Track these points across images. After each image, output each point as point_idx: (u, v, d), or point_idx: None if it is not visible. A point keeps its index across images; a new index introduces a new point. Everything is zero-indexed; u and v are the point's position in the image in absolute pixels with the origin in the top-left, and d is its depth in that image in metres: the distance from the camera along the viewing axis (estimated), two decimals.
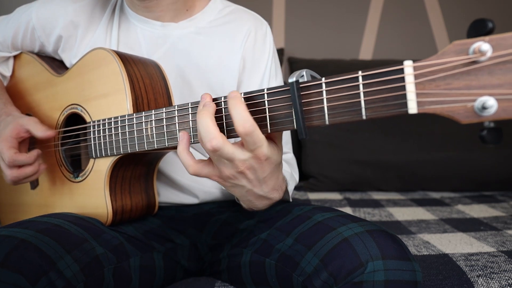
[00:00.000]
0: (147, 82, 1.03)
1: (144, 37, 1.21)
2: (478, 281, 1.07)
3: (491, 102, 0.53)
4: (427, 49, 2.95)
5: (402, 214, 1.82)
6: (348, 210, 1.87)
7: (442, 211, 1.88)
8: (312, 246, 0.84)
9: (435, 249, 1.30)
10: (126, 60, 1.02)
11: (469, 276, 1.09)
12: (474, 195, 2.28)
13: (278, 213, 1.02)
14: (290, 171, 1.16)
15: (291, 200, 1.12)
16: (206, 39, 1.22)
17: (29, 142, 1.16)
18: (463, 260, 1.18)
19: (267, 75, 1.25)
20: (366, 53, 2.97)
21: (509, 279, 1.07)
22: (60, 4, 1.23)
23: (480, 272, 1.10)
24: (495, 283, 1.06)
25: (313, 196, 2.21)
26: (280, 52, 2.73)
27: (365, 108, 0.62)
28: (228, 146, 0.72)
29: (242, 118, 0.70)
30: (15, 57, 1.37)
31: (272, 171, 0.80)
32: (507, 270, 1.12)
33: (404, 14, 2.95)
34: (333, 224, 0.85)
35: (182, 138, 0.80)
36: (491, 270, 1.12)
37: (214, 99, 0.78)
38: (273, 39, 1.30)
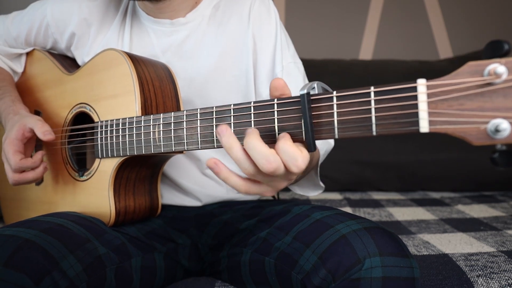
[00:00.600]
0: (156, 85, 1.03)
1: (157, 36, 1.21)
2: (478, 281, 1.07)
3: (505, 125, 0.52)
4: (427, 49, 2.96)
5: (402, 214, 1.82)
6: (348, 210, 1.86)
7: (442, 211, 1.88)
8: (310, 243, 0.84)
9: (435, 249, 1.29)
10: (137, 61, 1.03)
11: (469, 276, 1.09)
12: (474, 195, 2.28)
13: (278, 212, 1.03)
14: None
15: (319, 166, 1.12)
16: (214, 27, 1.22)
17: (35, 140, 1.17)
18: (463, 260, 1.18)
19: (279, 46, 1.22)
20: (366, 53, 2.97)
21: (509, 279, 1.07)
22: (74, 1, 1.24)
23: (480, 272, 1.10)
24: (495, 283, 1.06)
25: (313, 196, 2.20)
26: None
27: (376, 124, 0.61)
28: (283, 164, 0.68)
29: (294, 158, 0.66)
30: (27, 53, 1.38)
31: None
32: (507, 270, 1.12)
33: (404, 14, 2.95)
34: (331, 221, 0.86)
35: (216, 165, 0.71)
36: (491, 270, 1.12)
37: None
38: (277, 10, 1.27)
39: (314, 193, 1.18)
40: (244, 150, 0.68)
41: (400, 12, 2.94)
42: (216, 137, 0.78)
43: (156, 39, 1.21)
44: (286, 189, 2.23)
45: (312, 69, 2.50)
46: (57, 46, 1.31)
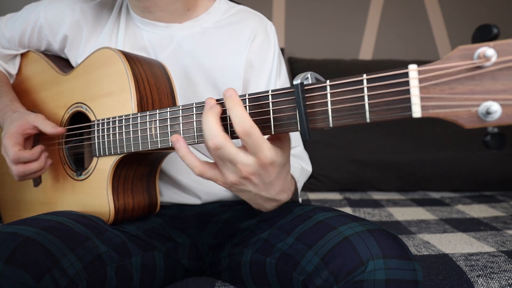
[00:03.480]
0: (152, 82, 1.03)
1: (149, 39, 1.21)
2: (478, 281, 1.07)
3: (495, 108, 0.53)
4: (427, 49, 2.96)
5: (402, 214, 1.82)
6: (348, 210, 1.87)
7: (442, 211, 1.88)
8: (312, 245, 0.83)
9: (435, 249, 1.29)
10: (132, 59, 1.03)
11: (469, 276, 1.09)
12: (474, 195, 2.28)
13: (280, 213, 1.01)
14: (300, 166, 1.17)
15: (300, 200, 1.12)
16: (211, 40, 1.22)
17: (33, 140, 1.17)
18: (463, 260, 1.18)
19: (274, 75, 1.25)
20: (366, 53, 2.97)
21: (509, 279, 1.07)
22: (68, 3, 1.24)
23: (480, 272, 1.10)
24: (495, 283, 1.06)
25: (313, 196, 2.21)
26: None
27: (369, 111, 0.62)
28: (230, 146, 0.73)
29: (240, 119, 0.71)
30: (22, 55, 1.38)
31: (278, 174, 0.80)
32: (507, 270, 1.12)
33: (404, 14, 2.95)
34: (334, 223, 0.85)
35: (178, 141, 0.80)
36: (491, 270, 1.12)
37: (219, 101, 0.79)
38: (277, 38, 1.30)
39: None
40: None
41: (400, 12, 2.95)
42: None
43: (149, 43, 1.21)
44: None
45: (312, 69, 2.51)
46: (51, 48, 1.31)
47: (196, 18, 1.23)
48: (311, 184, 2.36)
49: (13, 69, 1.38)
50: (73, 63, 1.28)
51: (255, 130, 0.71)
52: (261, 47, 1.25)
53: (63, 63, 1.29)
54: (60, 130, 1.11)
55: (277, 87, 1.25)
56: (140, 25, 1.23)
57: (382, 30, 2.96)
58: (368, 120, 0.63)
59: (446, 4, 2.96)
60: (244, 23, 1.26)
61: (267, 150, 0.73)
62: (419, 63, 2.01)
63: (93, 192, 1.07)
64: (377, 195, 2.27)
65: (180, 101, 1.18)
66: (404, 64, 1.99)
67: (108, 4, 1.27)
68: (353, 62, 2.66)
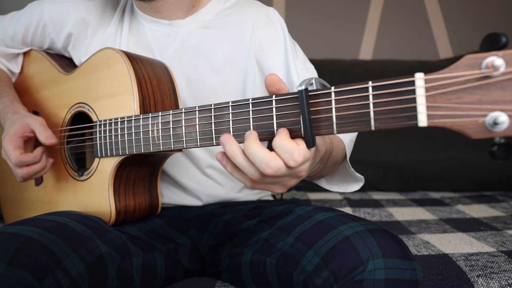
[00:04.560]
0: (154, 83, 1.03)
1: (154, 37, 1.21)
2: (478, 281, 1.07)
3: (503, 118, 0.52)
4: (427, 49, 2.96)
5: (402, 214, 1.82)
6: (348, 210, 1.87)
7: (442, 211, 1.88)
8: (313, 244, 0.84)
9: (435, 249, 1.30)
10: (134, 60, 1.03)
11: (469, 276, 1.09)
12: (474, 195, 2.28)
13: (280, 213, 1.02)
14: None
15: (348, 156, 1.09)
16: (214, 32, 1.21)
17: (34, 140, 1.16)
18: (463, 260, 1.18)
19: (291, 56, 1.20)
20: (366, 53, 2.97)
21: (509, 279, 1.07)
22: (72, 1, 1.24)
23: (480, 272, 1.10)
24: (495, 283, 1.06)
25: (313, 196, 2.21)
26: None
27: (374, 119, 0.62)
28: (283, 164, 0.68)
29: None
30: (24, 54, 1.38)
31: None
32: (507, 270, 1.12)
33: (404, 14, 2.95)
34: (334, 223, 0.85)
35: (224, 157, 0.74)
36: (491, 270, 1.12)
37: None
38: (283, 21, 1.26)
39: (353, 187, 1.12)
40: (246, 155, 0.70)
41: (400, 12, 2.95)
42: (215, 134, 0.79)
43: (153, 41, 1.21)
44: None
45: None
46: (54, 46, 1.31)
47: (197, 12, 1.22)
48: (311, 184, 2.35)
49: (16, 67, 1.38)
50: (77, 62, 1.28)
51: (299, 147, 0.68)
52: (268, 33, 1.21)
53: (65, 62, 1.29)
54: (52, 141, 1.10)
55: (298, 66, 1.21)
56: (144, 23, 1.23)
57: (382, 30, 2.96)
58: (373, 128, 0.62)
59: (446, 4, 2.95)
60: (245, 10, 1.24)
61: (302, 151, 0.69)
62: (419, 63, 2.00)
63: (95, 193, 1.07)
64: (377, 195, 2.26)
65: (188, 97, 1.18)
66: (404, 64, 1.99)
67: (112, 1, 1.27)
68: (353, 62, 2.65)
